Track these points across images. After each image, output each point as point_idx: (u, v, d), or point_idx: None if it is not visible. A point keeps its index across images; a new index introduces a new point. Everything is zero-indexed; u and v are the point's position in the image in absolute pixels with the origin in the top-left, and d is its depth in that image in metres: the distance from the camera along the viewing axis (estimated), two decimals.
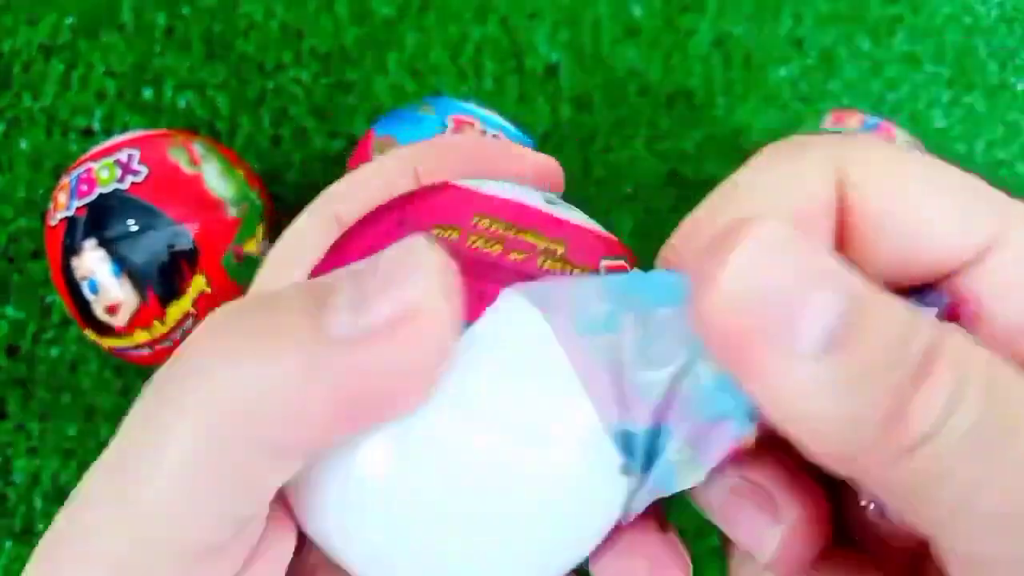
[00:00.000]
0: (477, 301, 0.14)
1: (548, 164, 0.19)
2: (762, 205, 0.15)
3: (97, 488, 0.13)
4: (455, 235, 0.16)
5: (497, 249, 0.15)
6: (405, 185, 0.18)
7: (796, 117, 0.45)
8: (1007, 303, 0.14)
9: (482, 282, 0.15)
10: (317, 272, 0.16)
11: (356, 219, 0.18)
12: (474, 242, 0.16)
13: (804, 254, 0.12)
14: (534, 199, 0.17)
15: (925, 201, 0.15)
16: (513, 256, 0.15)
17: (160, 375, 0.13)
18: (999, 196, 0.15)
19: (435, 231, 0.16)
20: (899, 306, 0.12)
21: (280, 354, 0.13)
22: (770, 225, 0.13)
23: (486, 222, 0.16)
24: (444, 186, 0.17)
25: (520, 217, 0.16)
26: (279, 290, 0.14)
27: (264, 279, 0.18)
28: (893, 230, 0.15)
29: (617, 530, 0.16)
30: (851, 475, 0.13)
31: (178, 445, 0.13)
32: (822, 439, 0.12)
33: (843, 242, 0.15)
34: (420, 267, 0.13)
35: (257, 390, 0.12)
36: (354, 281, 0.13)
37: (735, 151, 0.44)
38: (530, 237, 0.16)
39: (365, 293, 0.13)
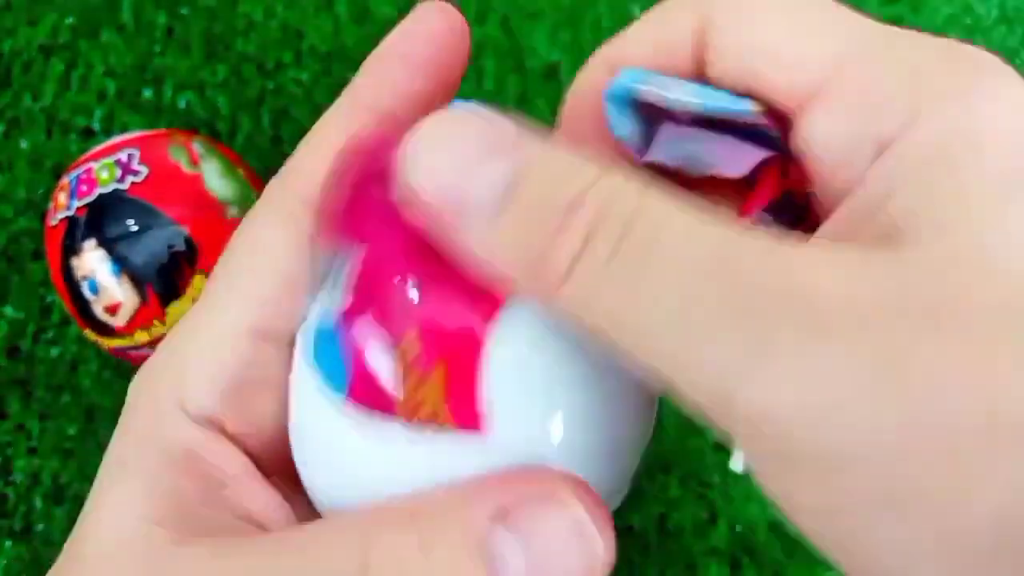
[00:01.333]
0: None
1: None
2: (625, 42, 0.17)
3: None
4: None
5: None
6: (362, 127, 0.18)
7: None
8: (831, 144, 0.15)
9: None
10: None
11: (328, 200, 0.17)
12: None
13: (475, 129, 0.14)
14: None
15: (773, 31, 0.15)
16: None
17: None
18: (841, 16, 0.16)
19: None
20: (562, 160, 0.14)
21: None
22: (448, 111, 0.14)
23: None
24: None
25: None
26: None
27: (218, 291, 0.18)
28: (745, 62, 0.15)
29: None
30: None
31: None
32: (516, 284, 0.14)
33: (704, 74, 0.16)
34: None
35: None
36: None
37: None
38: None
39: None
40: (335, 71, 0.44)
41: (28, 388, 0.39)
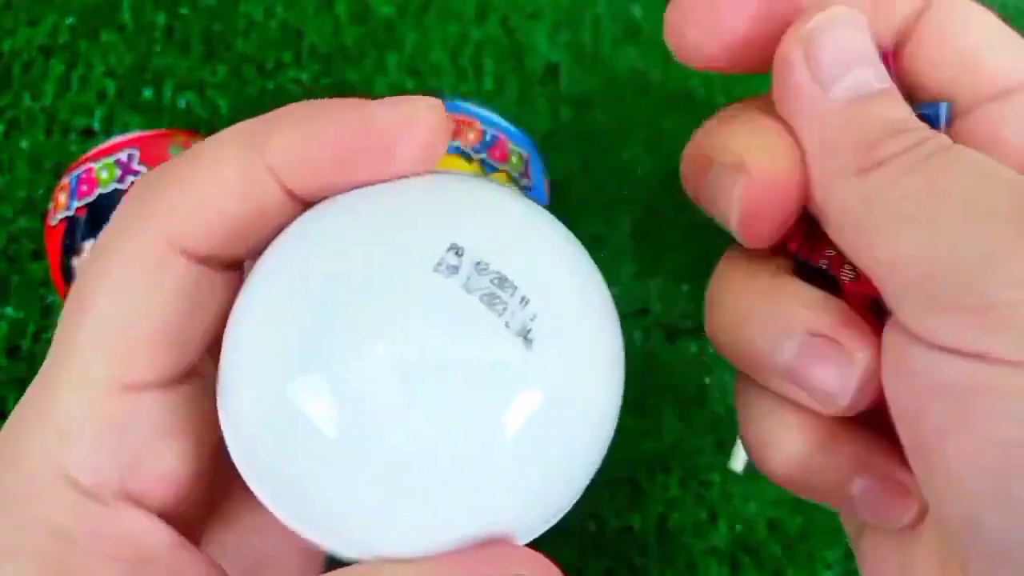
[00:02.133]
0: None
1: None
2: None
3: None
4: None
5: None
6: (269, 195, 0.15)
7: None
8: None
9: None
10: None
11: (211, 250, 0.15)
12: None
13: (866, 35, 0.17)
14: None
15: (984, 35, 0.19)
16: None
17: None
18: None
19: None
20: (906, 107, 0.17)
21: None
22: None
23: None
24: None
25: None
26: None
27: (80, 344, 0.16)
28: (949, 56, 0.19)
29: None
30: (818, 189, 0.17)
31: None
32: (820, 146, 0.17)
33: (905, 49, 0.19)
34: None
35: None
36: None
37: None
38: None
39: None
40: (335, 71, 0.44)
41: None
